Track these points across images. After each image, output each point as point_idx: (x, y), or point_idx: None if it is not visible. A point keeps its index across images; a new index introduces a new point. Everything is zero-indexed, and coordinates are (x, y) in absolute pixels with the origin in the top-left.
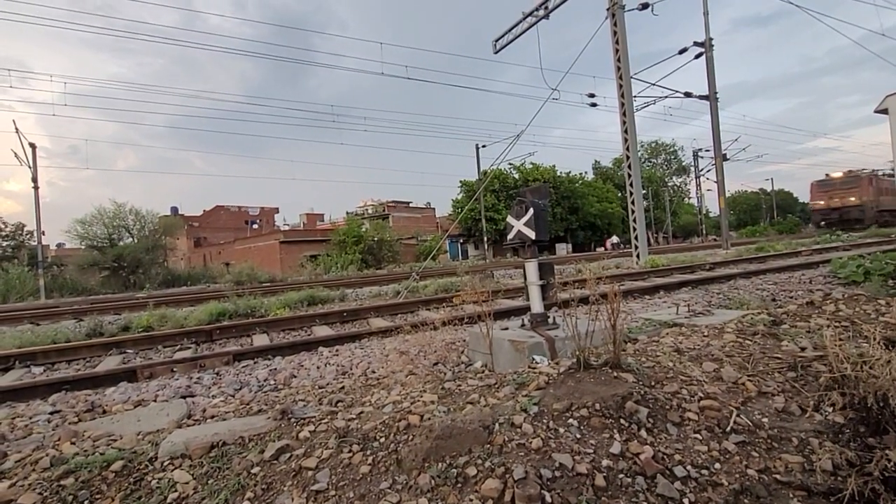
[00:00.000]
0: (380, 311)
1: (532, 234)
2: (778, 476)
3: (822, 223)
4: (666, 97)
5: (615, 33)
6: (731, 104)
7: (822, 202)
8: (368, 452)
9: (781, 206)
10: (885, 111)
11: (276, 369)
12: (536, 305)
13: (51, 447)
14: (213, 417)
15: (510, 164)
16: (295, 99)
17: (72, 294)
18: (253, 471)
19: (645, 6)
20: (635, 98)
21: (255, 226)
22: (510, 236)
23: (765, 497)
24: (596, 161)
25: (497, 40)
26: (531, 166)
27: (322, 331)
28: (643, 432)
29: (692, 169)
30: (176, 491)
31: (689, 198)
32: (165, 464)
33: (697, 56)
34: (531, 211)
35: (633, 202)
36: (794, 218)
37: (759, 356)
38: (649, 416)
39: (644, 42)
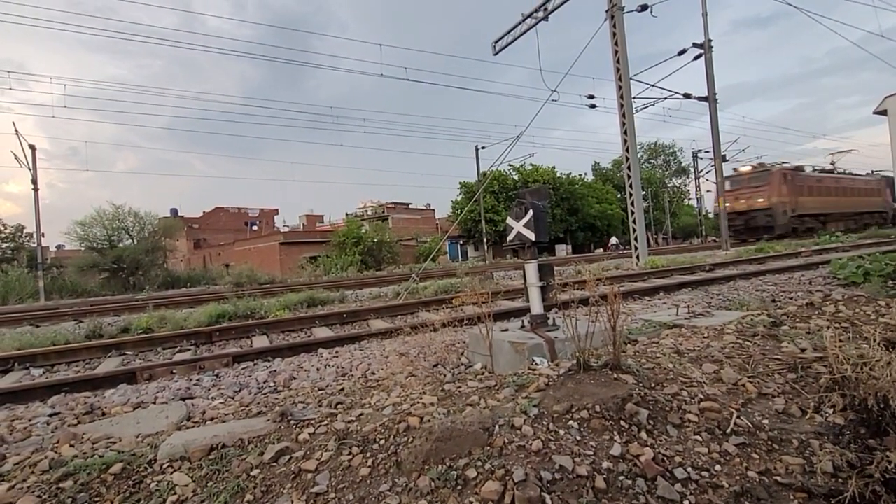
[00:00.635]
0: (379, 313)
1: (532, 236)
2: (778, 478)
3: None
4: (665, 98)
5: (614, 35)
6: (730, 105)
7: (727, 204)
8: (368, 454)
9: None
10: (884, 112)
11: (275, 371)
12: (536, 307)
13: (50, 449)
14: (212, 419)
15: (510, 165)
16: (294, 100)
17: (71, 296)
18: (252, 473)
19: (644, 8)
20: (635, 99)
21: (255, 227)
22: (510, 238)
23: (765, 499)
24: (595, 162)
25: (496, 42)
26: (531, 167)
27: (322, 332)
28: (643, 434)
29: (692, 170)
30: (175, 493)
31: (689, 199)
32: (164, 466)
33: (697, 57)
34: (531, 212)
35: (632, 203)
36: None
37: (759, 357)
38: (649, 418)
39: (643, 43)
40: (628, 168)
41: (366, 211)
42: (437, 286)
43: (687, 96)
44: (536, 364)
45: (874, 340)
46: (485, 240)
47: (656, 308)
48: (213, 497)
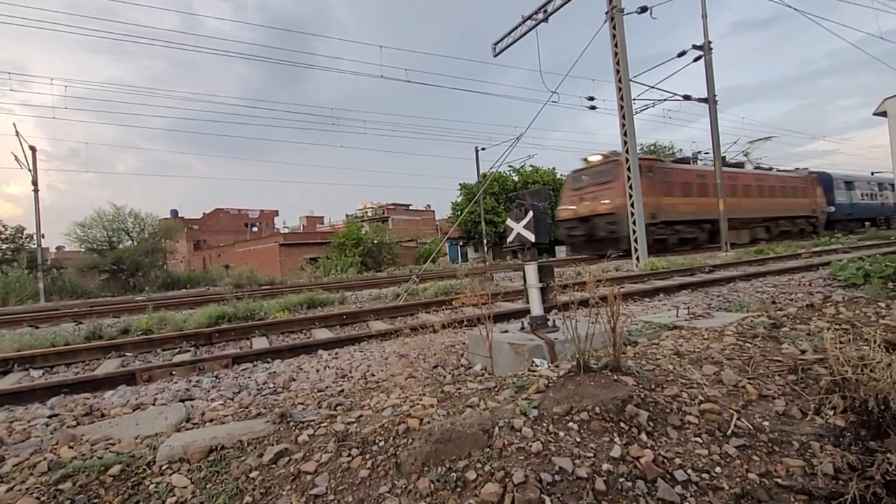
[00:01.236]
0: (379, 314)
1: (531, 237)
2: (779, 480)
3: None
4: (665, 100)
5: (614, 36)
6: (730, 107)
7: (570, 207)
8: (367, 456)
9: None
10: (883, 114)
11: (275, 372)
12: (536, 308)
13: (49, 451)
14: (211, 421)
15: (510, 166)
16: (294, 101)
17: (71, 297)
18: (251, 475)
19: (644, 9)
20: (634, 101)
21: (255, 228)
22: (510, 239)
23: (766, 501)
24: None
25: (496, 43)
26: (531, 169)
27: (321, 334)
28: (643, 436)
29: None
30: (174, 495)
31: None
32: (164, 468)
33: (696, 59)
34: (531, 213)
35: (632, 204)
36: None
37: (759, 359)
38: (649, 420)
39: (643, 45)
40: (628, 169)
41: (366, 212)
42: (436, 287)
43: (687, 98)
44: (536, 365)
45: (874, 342)
46: (485, 241)
47: (656, 309)
48: (212, 499)
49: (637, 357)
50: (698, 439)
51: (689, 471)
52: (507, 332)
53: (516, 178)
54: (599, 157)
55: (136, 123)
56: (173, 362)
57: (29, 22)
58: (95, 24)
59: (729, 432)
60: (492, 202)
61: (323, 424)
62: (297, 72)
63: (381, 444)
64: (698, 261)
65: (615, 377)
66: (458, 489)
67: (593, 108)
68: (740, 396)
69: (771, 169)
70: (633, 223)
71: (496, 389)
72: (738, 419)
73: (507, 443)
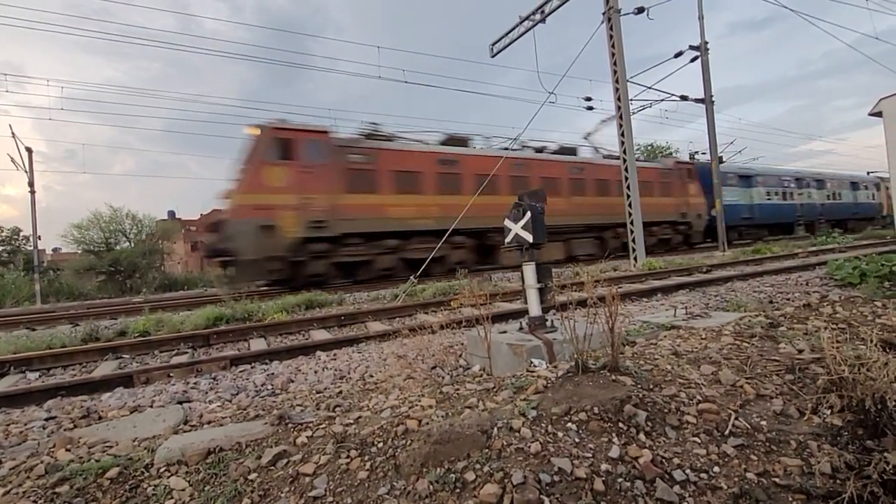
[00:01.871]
0: (378, 315)
1: (530, 238)
2: (777, 479)
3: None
4: (662, 100)
5: (611, 37)
6: (728, 107)
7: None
8: (366, 458)
9: None
10: (879, 114)
11: (273, 374)
12: (534, 308)
13: (46, 454)
14: (209, 423)
15: None
16: (292, 102)
17: (68, 299)
18: (250, 477)
19: (640, 10)
20: (632, 101)
21: None
22: (508, 240)
23: (764, 500)
24: None
25: (494, 44)
26: None
27: (320, 335)
28: (642, 436)
29: None
30: (172, 498)
31: None
32: (161, 470)
33: (693, 59)
34: (528, 214)
35: (629, 205)
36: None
37: (756, 359)
38: (648, 420)
39: (640, 46)
40: (625, 169)
41: None
42: (435, 288)
43: (684, 98)
44: (535, 366)
45: (871, 341)
46: None
47: (654, 309)
48: (210, 501)
49: (635, 357)
50: (696, 439)
51: (688, 470)
52: (505, 332)
53: None
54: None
55: (133, 124)
56: (171, 364)
57: (25, 23)
58: (92, 25)
59: (727, 432)
60: None
61: (321, 426)
62: (295, 73)
63: (380, 445)
64: (696, 260)
65: (613, 377)
66: (457, 490)
67: (591, 108)
68: (738, 396)
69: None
70: (632, 223)
71: (495, 390)
72: (736, 419)
73: (505, 444)
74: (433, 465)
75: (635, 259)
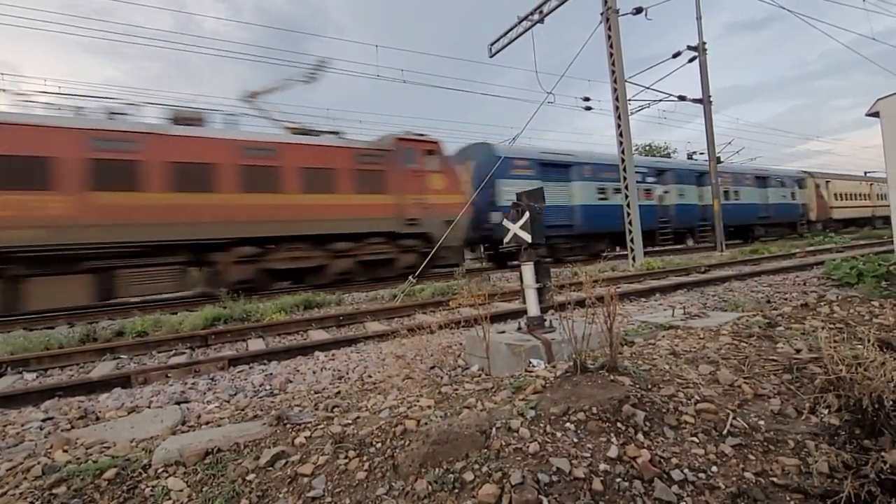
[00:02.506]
0: (376, 315)
1: (528, 238)
2: (775, 479)
3: None
4: (660, 100)
5: (609, 37)
6: (727, 107)
7: None
8: (365, 458)
9: None
10: (876, 114)
11: (271, 374)
12: (533, 309)
13: (43, 455)
14: (207, 423)
15: None
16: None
17: None
18: (248, 478)
19: (639, 10)
20: (630, 101)
21: None
22: (506, 240)
23: (762, 500)
24: None
25: (492, 44)
26: None
27: (318, 335)
28: (640, 436)
29: None
30: (170, 499)
31: None
32: (159, 471)
33: (691, 60)
34: (527, 214)
35: (628, 205)
36: None
37: (754, 358)
38: (646, 420)
39: (638, 46)
40: (624, 169)
41: None
42: (433, 288)
43: (682, 98)
44: (533, 366)
45: (868, 341)
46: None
47: (652, 309)
48: (208, 502)
49: (633, 357)
50: (695, 439)
51: (686, 470)
52: (504, 332)
53: None
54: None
55: None
56: (169, 364)
57: (24, 22)
58: (92, 24)
59: (725, 431)
60: None
61: (320, 426)
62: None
63: (379, 445)
64: (694, 260)
65: (612, 377)
66: (456, 490)
67: (589, 108)
68: (736, 396)
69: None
70: (630, 223)
71: (493, 390)
72: (734, 418)
73: (504, 444)
74: (432, 465)
75: (633, 259)
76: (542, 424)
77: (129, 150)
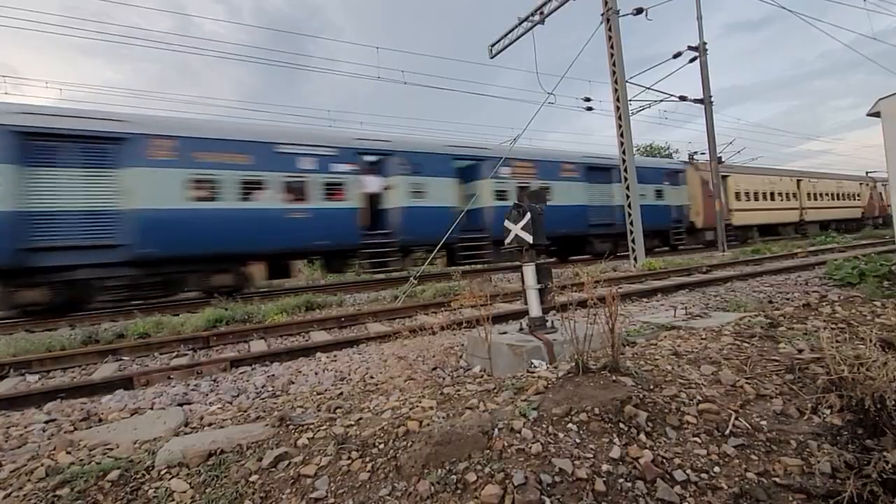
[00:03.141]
0: (378, 316)
1: (529, 238)
2: (777, 479)
3: None
4: (661, 101)
5: (610, 38)
6: (725, 107)
7: None
8: (367, 459)
9: None
10: (877, 114)
11: (273, 375)
12: (535, 309)
13: (46, 457)
14: (210, 425)
15: None
16: (291, 104)
17: None
18: (251, 479)
19: (639, 11)
20: (631, 102)
21: None
22: (508, 240)
23: (764, 500)
24: None
25: (493, 45)
26: None
27: (320, 336)
28: (642, 436)
29: None
30: (173, 500)
31: None
32: (162, 472)
33: (692, 60)
34: (528, 215)
35: (629, 205)
36: None
37: (756, 359)
38: (648, 420)
39: (639, 46)
40: (625, 170)
41: None
42: (435, 289)
43: (682, 99)
44: (535, 367)
45: (870, 341)
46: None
47: (654, 310)
48: (211, 503)
49: (635, 358)
50: (697, 439)
51: (688, 471)
52: (505, 333)
53: None
54: None
55: None
56: (171, 366)
57: (24, 24)
58: (91, 26)
59: (727, 432)
60: None
61: (322, 427)
62: (294, 74)
63: (381, 446)
64: (695, 261)
65: (614, 378)
66: (459, 491)
67: (590, 108)
68: (738, 396)
69: None
70: (631, 223)
71: (495, 391)
72: (737, 419)
73: (506, 444)
74: (434, 466)
75: (635, 259)
76: (544, 425)
77: None
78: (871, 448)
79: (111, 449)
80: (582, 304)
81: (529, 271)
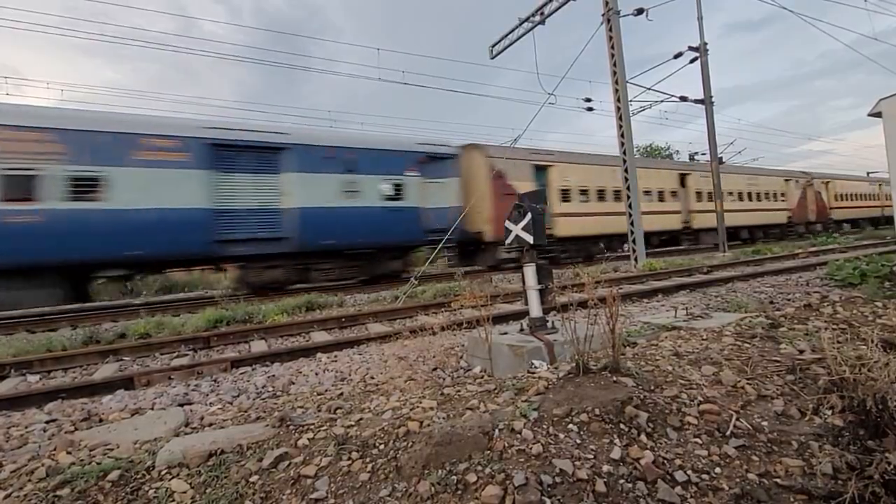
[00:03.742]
0: (378, 317)
1: (530, 239)
2: (778, 480)
3: None
4: (662, 101)
5: (610, 38)
6: (725, 108)
7: None
8: (368, 459)
9: None
10: (878, 114)
11: (274, 376)
12: (535, 310)
13: (46, 457)
14: (210, 425)
15: None
16: (291, 104)
17: (68, 301)
18: (251, 479)
19: (640, 11)
20: (631, 102)
21: None
22: (508, 241)
23: (765, 501)
24: None
25: (493, 45)
26: None
27: (320, 337)
28: (643, 437)
29: None
30: (174, 500)
31: None
32: (163, 473)
33: (692, 60)
34: (529, 216)
35: (630, 206)
36: None
37: (757, 359)
38: (649, 421)
39: (639, 46)
40: (625, 170)
41: None
42: (435, 289)
43: (683, 99)
44: (535, 367)
45: (872, 342)
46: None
47: (655, 310)
48: (211, 503)
49: (636, 358)
50: (698, 440)
51: (689, 472)
52: (506, 333)
53: None
54: None
55: None
56: (172, 366)
57: (24, 25)
58: (91, 27)
59: (728, 433)
60: None
61: (323, 428)
62: (294, 75)
63: (381, 447)
64: (696, 261)
65: (614, 378)
66: (459, 492)
67: (591, 109)
68: (739, 397)
69: None
70: (632, 224)
71: (496, 391)
72: (738, 420)
73: (507, 445)
74: (435, 466)
75: (636, 260)
76: (544, 426)
77: None
78: (872, 449)
79: (112, 449)
80: (582, 304)
81: (530, 272)
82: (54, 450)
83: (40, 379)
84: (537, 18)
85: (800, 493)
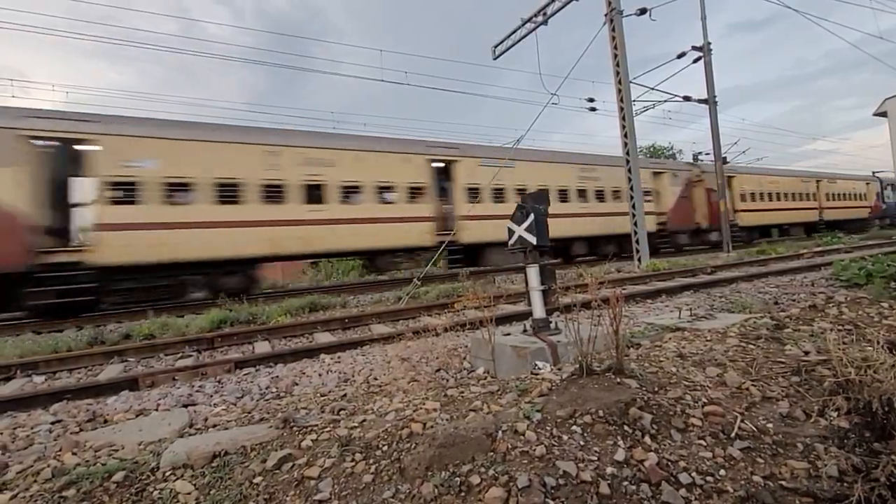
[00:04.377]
0: (381, 318)
1: (533, 240)
2: (784, 482)
3: None
4: (665, 101)
5: (613, 38)
6: (728, 107)
7: None
8: (371, 461)
9: None
10: (883, 114)
11: (277, 377)
12: (538, 310)
13: (52, 457)
14: (214, 426)
15: None
16: (294, 106)
17: None
18: (255, 480)
19: (643, 11)
20: (634, 102)
21: None
22: (511, 242)
23: None
24: None
25: (496, 46)
26: None
27: (324, 337)
28: (647, 439)
29: None
30: (178, 501)
31: None
32: (167, 474)
33: (696, 60)
34: (532, 216)
35: (633, 206)
36: None
37: (762, 360)
38: (653, 423)
39: (642, 46)
40: (629, 171)
41: None
42: (438, 290)
43: (687, 99)
44: (539, 368)
45: (878, 343)
46: None
47: (658, 311)
48: None
49: (640, 359)
50: (702, 442)
51: (694, 474)
52: (509, 334)
53: None
54: None
55: None
56: (176, 367)
57: (30, 28)
58: (96, 29)
59: (733, 434)
60: None
61: (326, 429)
62: (297, 76)
63: (385, 448)
64: (700, 261)
65: (618, 380)
66: (462, 494)
67: (594, 109)
68: (744, 398)
69: None
70: (635, 224)
71: (499, 393)
72: (742, 421)
73: (510, 447)
74: (438, 468)
75: (639, 261)
76: (548, 427)
77: None
78: (878, 451)
79: (116, 450)
80: (586, 305)
81: (533, 273)
82: (60, 451)
83: (46, 380)
84: (540, 19)
85: (805, 496)
